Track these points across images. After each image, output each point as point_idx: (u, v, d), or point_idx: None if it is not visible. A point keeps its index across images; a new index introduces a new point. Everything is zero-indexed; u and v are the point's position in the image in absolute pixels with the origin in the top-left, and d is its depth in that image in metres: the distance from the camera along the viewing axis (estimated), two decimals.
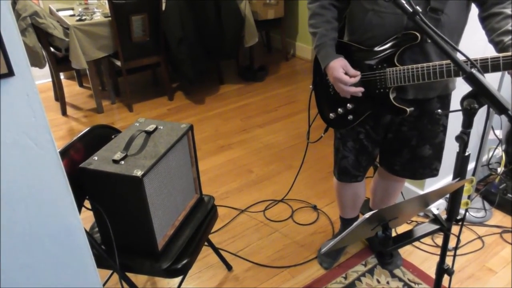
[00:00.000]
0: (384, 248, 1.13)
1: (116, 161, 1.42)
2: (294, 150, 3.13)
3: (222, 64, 4.34)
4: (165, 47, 3.72)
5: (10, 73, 0.84)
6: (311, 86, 1.79)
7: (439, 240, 2.21)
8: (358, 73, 1.53)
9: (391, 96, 1.53)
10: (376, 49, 1.50)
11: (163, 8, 3.55)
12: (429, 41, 1.42)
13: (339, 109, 1.68)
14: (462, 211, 1.90)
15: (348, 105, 1.64)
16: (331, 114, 1.71)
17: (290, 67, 4.73)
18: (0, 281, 1.00)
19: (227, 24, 3.87)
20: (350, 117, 1.66)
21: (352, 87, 1.54)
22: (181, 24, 3.64)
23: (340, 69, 1.53)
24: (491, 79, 1.12)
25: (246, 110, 3.79)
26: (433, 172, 1.79)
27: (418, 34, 1.40)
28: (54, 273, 1.09)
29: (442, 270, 1.27)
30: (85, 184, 1.44)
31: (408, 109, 1.53)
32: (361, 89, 1.55)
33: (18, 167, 0.93)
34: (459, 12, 1.44)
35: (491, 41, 1.36)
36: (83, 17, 3.43)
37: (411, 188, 2.40)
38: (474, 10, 1.46)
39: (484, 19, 1.40)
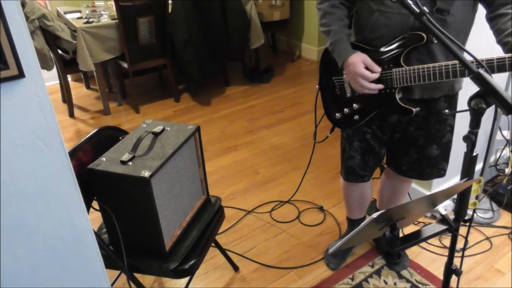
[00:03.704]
0: (392, 248, 1.13)
1: (124, 162, 1.43)
2: (301, 151, 3.13)
3: (228, 66, 4.35)
4: (172, 49, 3.74)
5: (21, 74, 0.85)
6: (317, 86, 1.79)
7: (446, 241, 2.20)
8: (379, 68, 1.50)
9: (397, 97, 1.53)
10: (382, 49, 1.50)
11: (169, 10, 3.57)
12: (435, 41, 1.42)
13: (345, 109, 1.68)
14: (470, 212, 1.89)
15: (354, 105, 1.64)
16: (337, 114, 1.71)
17: (295, 68, 4.73)
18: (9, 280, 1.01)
19: (233, 25, 3.88)
20: (356, 117, 1.67)
21: (373, 84, 1.50)
22: (187, 26, 3.65)
23: (360, 63, 1.50)
24: (498, 79, 1.12)
25: (252, 112, 3.79)
26: (441, 172, 1.78)
27: (424, 35, 1.40)
28: (63, 273, 1.10)
29: (450, 270, 1.26)
30: (93, 185, 1.45)
31: (414, 109, 1.52)
32: (381, 86, 1.51)
33: (28, 168, 0.94)
34: (465, 13, 1.44)
35: (499, 42, 1.35)
36: (90, 20, 3.46)
37: (418, 189, 2.39)
38: (481, 11, 1.46)
39: (491, 20, 1.40)
